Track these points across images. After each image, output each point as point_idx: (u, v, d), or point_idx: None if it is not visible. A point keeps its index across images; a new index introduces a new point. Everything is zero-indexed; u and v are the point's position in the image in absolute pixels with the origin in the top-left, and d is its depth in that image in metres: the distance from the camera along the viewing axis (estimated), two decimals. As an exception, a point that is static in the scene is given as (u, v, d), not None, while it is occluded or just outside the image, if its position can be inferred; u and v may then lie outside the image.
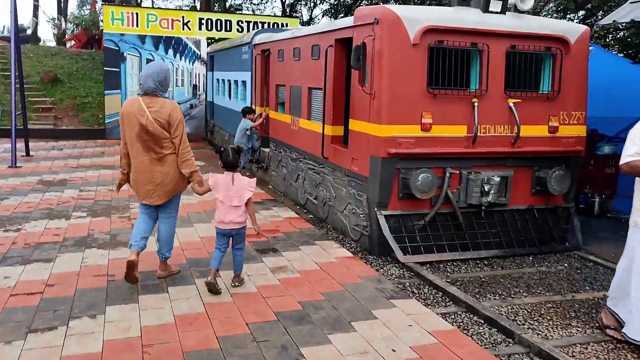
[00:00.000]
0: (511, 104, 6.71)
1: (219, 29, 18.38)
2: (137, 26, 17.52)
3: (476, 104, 6.55)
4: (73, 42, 26.86)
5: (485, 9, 6.58)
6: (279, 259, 6.22)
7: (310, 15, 32.89)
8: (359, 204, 6.89)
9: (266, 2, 33.76)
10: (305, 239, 7.02)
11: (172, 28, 17.89)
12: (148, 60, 17.81)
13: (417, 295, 5.54)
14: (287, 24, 18.44)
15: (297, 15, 29.11)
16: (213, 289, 5.04)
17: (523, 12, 6.83)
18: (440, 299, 5.46)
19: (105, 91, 17.66)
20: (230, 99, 14.74)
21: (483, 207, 6.80)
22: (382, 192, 6.46)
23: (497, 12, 6.64)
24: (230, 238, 5.17)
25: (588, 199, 9.37)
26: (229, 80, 14.83)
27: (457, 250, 6.71)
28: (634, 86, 9.11)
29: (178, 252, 6.31)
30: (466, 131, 6.62)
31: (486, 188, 6.71)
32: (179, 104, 18.25)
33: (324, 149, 7.78)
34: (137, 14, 17.57)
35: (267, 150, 11.22)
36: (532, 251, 6.98)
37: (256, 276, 5.63)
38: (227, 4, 31.18)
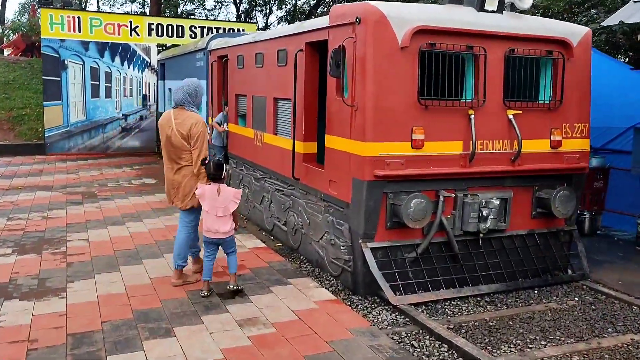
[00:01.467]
0: (511, 116, 5.87)
1: (170, 34, 17.12)
2: (79, 31, 16.08)
3: (472, 116, 5.68)
4: (11, 49, 24.91)
5: (480, 7, 5.73)
6: (248, 306, 5.13)
7: (266, 22, 31.88)
8: (339, 234, 5.89)
9: (220, 8, 32.54)
10: (276, 277, 5.96)
11: (119, 34, 16.53)
12: (92, 69, 16.39)
13: (418, 350, 4.57)
14: (243, 30, 17.36)
15: (253, 22, 28.03)
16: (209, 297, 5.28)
17: (521, 11, 6.02)
18: (447, 354, 4.50)
19: (45, 102, 16.11)
20: (183, 110, 13.48)
21: (481, 235, 5.92)
22: (367, 221, 5.48)
23: (492, 11, 5.80)
24: (219, 246, 5.38)
25: (577, 216, 8.67)
26: (182, 90, 13.57)
27: (454, 286, 5.80)
28: (626, 94, 8.50)
29: (124, 301, 5.15)
30: (462, 148, 5.73)
31: (484, 212, 5.84)
32: (126, 115, 17.08)
33: (295, 169, 6.75)
34: (79, 18, 16.13)
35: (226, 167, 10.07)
36: (537, 283, 6.14)
37: (220, 333, 4.53)
38: (179, 10, 29.80)
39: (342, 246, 5.83)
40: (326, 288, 5.79)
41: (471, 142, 5.70)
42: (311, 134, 6.73)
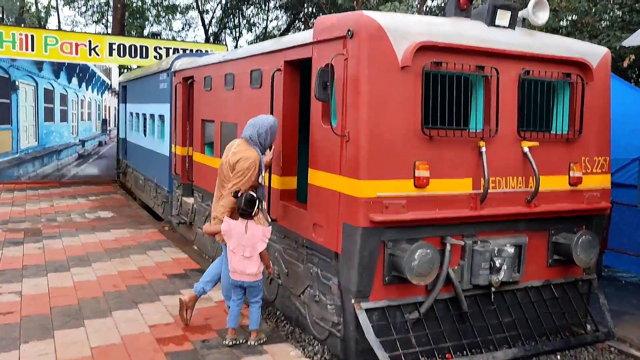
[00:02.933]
0: (526, 149, 5.01)
1: (133, 55, 16.03)
2: (32, 50, 14.85)
3: (484, 149, 4.79)
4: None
5: (491, 22, 4.90)
6: (213, 389, 4.06)
7: (236, 46, 31.03)
8: (326, 290, 4.87)
9: (188, 30, 31.59)
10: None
11: (77, 54, 15.36)
12: (46, 90, 15.14)
13: None
14: (212, 51, 16.40)
15: (222, 44, 27.14)
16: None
17: (535, 27, 5.23)
18: None
19: (-8, 126, 14.73)
20: (145, 136, 12.40)
21: (493, 288, 4.99)
22: (361, 276, 4.49)
23: (504, 27, 4.98)
24: (244, 290, 4.94)
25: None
26: (144, 114, 12.51)
27: (464, 353, 4.83)
28: (633, 122, 7.79)
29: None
30: (471, 186, 4.83)
31: (497, 262, 4.92)
32: (83, 141, 15.78)
33: (270, 207, 5.74)
34: (32, 36, 14.90)
35: (190, 201, 9.00)
36: (559, 345, 5.21)
37: None
38: (145, 32, 28.70)
39: (330, 305, 4.81)
40: (310, 357, 4.75)
41: (482, 179, 4.81)
42: (290, 167, 5.74)
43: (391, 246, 4.57)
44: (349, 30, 4.44)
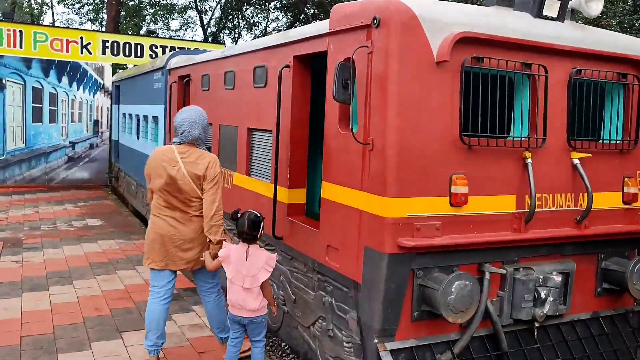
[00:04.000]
0: (576, 161, 4.30)
1: (127, 54, 15.30)
2: (20, 47, 14.10)
3: (530, 161, 4.08)
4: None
5: (538, 13, 4.19)
6: None
7: (235, 47, 30.27)
8: (342, 324, 4.14)
9: (186, 30, 30.85)
10: (250, 386, 4.17)
11: (68, 51, 14.61)
12: (34, 89, 14.37)
13: None
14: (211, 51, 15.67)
15: (221, 43, 26.42)
16: None
17: (586, 20, 4.52)
18: None
19: (-23, 126, 13.95)
20: (138, 138, 11.66)
21: (536, 323, 4.27)
22: (387, 312, 3.76)
23: (552, 19, 4.27)
24: (244, 326, 4.13)
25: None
26: (137, 116, 11.77)
27: (505, 401, 4.11)
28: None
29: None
30: (515, 205, 4.11)
31: (542, 293, 4.20)
32: (73, 143, 15.01)
33: (276, 224, 5.01)
34: (21, 31, 14.15)
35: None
36: (611, 389, 4.50)
37: None
38: (141, 32, 27.95)
39: (347, 343, 4.08)
40: (323, 405, 4.02)
41: (528, 196, 4.09)
42: (299, 179, 5.02)
43: (422, 275, 3.84)
44: (374, 19, 3.72)
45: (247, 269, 4.01)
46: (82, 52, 14.71)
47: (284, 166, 5.00)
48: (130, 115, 12.53)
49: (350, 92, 3.82)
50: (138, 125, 11.69)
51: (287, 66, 4.91)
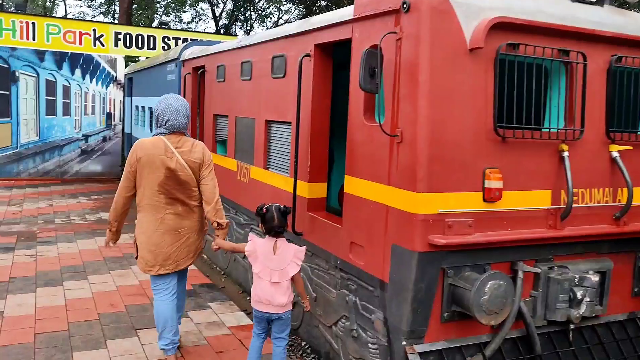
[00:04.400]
0: (616, 154, 4.07)
1: (140, 46, 15.16)
2: (33, 39, 14.01)
3: (566, 154, 3.85)
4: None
5: (576, -4, 3.96)
6: None
7: (247, 39, 30.09)
8: (367, 324, 3.96)
9: (198, 22, 30.69)
10: (271, 388, 4.00)
11: (81, 43, 14.51)
12: (48, 82, 14.30)
13: None
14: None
15: (234, 36, 26.23)
16: None
17: (625, 5, 4.28)
18: None
19: (-10, 119, 13.91)
20: (151, 131, 11.51)
21: (572, 325, 4.06)
22: (416, 313, 3.57)
23: (591, 3, 4.04)
24: (269, 323, 3.97)
25: None
26: (149, 108, 11.63)
27: (538, 407, 3.91)
28: None
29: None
30: (550, 200, 3.89)
31: (578, 293, 3.97)
32: (86, 136, 14.92)
33: (296, 220, 4.83)
34: (33, 24, 14.05)
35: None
36: (650, 395, 4.28)
37: None
38: (154, 25, 27.84)
39: (372, 345, 3.89)
40: (348, 410, 3.85)
41: (564, 191, 3.87)
42: (320, 172, 4.84)
43: (452, 274, 3.65)
44: (404, 3, 3.51)
45: (277, 263, 3.86)
46: (94, 45, 14.59)
47: (304, 159, 4.81)
48: (143, 107, 12.40)
49: (378, 80, 3.61)
50: (151, 118, 11.56)
51: (308, 55, 4.71)
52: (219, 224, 4.19)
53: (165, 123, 4.14)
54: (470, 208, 3.58)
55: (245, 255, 4.01)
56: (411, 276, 3.51)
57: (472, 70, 3.55)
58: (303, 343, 4.99)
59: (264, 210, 3.93)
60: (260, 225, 4.02)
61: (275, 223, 3.89)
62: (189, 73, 8.40)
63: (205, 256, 7.81)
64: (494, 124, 3.60)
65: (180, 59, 8.94)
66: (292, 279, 3.91)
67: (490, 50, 3.56)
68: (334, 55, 4.74)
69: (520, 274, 3.84)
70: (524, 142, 3.75)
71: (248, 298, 6.29)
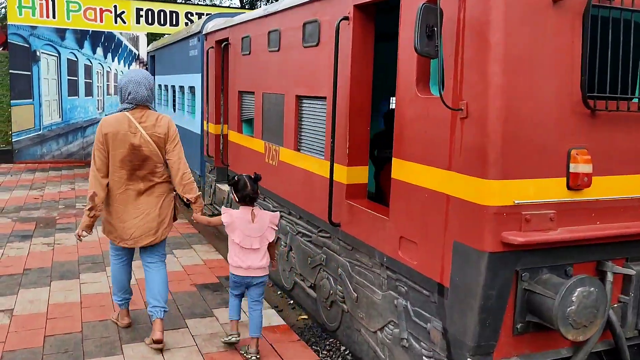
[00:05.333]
0: None
1: (162, 22, 14.62)
2: (53, 17, 13.59)
3: (667, 130, 3.15)
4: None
5: None
6: None
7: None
8: (421, 334, 3.36)
9: None
10: (309, 406, 3.46)
11: (102, 21, 14.03)
12: (69, 61, 13.90)
13: None
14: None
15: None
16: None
17: None
18: None
19: (12, 101, 13.61)
20: (175, 111, 11.03)
21: (667, 335, 3.40)
22: (484, 324, 2.95)
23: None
24: (247, 289, 4.07)
25: None
26: (172, 87, 11.12)
27: None
28: None
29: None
30: (646, 187, 3.20)
31: (676, 298, 3.30)
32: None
33: (333, 208, 4.23)
34: (53, 1, 13.62)
35: (225, 188, 7.58)
36: None
37: None
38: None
39: (428, 357, 3.30)
40: None
41: (664, 176, 3.18)
42: (360, 154, 4.21)
43: (527, 278, 3.01)
44: (471, -56, 2.83)
45: (256, 231, 3.95)
46: (116, 22, 14.10)
47: (342, 139, 4.19)
48: (165, 86, 11.90)
49: (436, 42, 2.95)
50: (174, 97, 11.05)
51: (346, 18, 4.05)
52: (187, 199, 4.15)
53: (128, 96, 4.02)
54: (552, 198, 2.92)
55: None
56: (479, 281, 2.89)
57: (556, 28, 2.85)
58: (342, 348, 4.42)
59: (236, 179, 4.03)
60: (233, 195, 4.06)
61: (248, 189, 3.96)
62: (212, 47, 7.81)
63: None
64: (583, 93, 2.91)
65: (203, 32, 8.35)
66: (269, 243, 4.02)
67: (578, 4, 2.86)
68: (384, 17, 4.08)
69: (610, 277, 3.18)
70: (617, 116, 3.06)
71: (278, 292, 5.76)
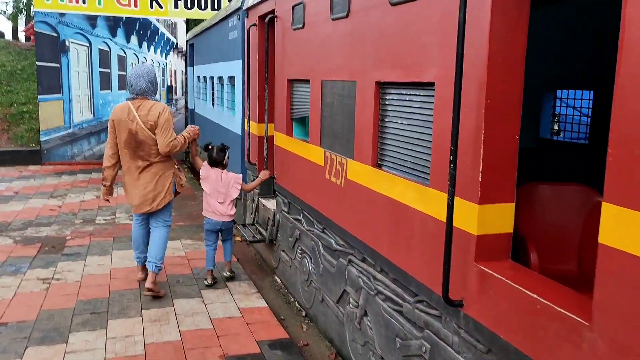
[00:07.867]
0: None
1: (202, 7, 13.07)
2: (83, 3, 12.25)
3: None
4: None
5: None
6: None
7: None
8: None
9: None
10: None
11: (136, 6, 12.62)
12: (101, 52, 12.57)
13: None
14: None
15: None
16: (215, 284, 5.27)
17: None
18: None
19: (40, 96, 12.38)
20: (213, 106, 9.45)
21: None
22: None
23: None
24: (219, 233, 5.35)
25: None
26: (211, 78, 9.54)
27: None
28: None
29: None
30: None
31: None
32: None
33: (451, 275, 2.41)
34: (83, -16, 12.25)
35: (271, 205, 5.88)
36: None
37: None
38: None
39: None
40: None
41: None
42: (504, 183, 2.38)
43: None
44: None
45: (222, 188, 5.15)
46: (151, 7, 12.65)
47: (468, 156, 2.37)
48: (204, 78, 10.35)
49: None
50: (213, 89, 9.46)
51: (483, -60, 2.22)
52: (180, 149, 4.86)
53: (130, 88, 4.70)
54: None
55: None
56: None
57: None
58: None
59: (210, 147, 5.20)
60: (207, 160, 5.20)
61: (214, 155, 5.15)
62: (254, 24, 6.09)
63: (277, 279, 5.62)
64: None
65: (244, 8, 6.65)
66: (243, 189, 5.38)
67: None
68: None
69: None
70: None
71: (345, 369, 4.02)
